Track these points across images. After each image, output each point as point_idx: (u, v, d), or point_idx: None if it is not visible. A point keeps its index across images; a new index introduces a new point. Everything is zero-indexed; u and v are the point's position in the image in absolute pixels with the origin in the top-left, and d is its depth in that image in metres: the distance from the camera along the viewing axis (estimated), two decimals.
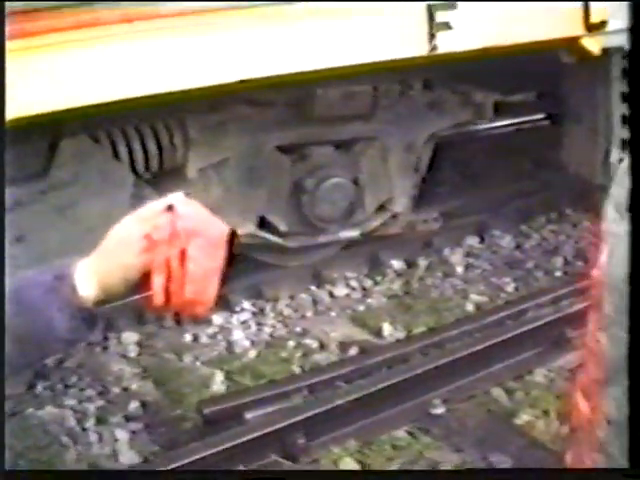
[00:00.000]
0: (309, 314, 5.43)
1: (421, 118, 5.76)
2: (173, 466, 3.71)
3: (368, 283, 5.77)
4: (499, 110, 6.11)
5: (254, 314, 5.40)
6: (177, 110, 4.93)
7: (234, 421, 4.23)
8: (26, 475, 2.39)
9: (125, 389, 4.70)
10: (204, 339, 5.14)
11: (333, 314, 5.42)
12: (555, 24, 4.97)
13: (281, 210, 5.49)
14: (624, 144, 5.61)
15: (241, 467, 3.87)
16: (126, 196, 4.82)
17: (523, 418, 4.27)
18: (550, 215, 6.62)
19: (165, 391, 4.68)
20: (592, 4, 4.95)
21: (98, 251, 1.58)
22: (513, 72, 5.49)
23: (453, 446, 4.11)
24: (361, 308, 5.48)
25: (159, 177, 5.13)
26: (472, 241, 6.27)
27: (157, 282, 1.55)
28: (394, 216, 5.90)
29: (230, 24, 4.19)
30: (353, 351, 4.95)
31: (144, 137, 4.99)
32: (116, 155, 4.93)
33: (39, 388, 4.66)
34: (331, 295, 5.63)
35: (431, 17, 4.55)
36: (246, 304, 5.46)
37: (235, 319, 5.31)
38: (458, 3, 4.60)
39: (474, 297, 5.54)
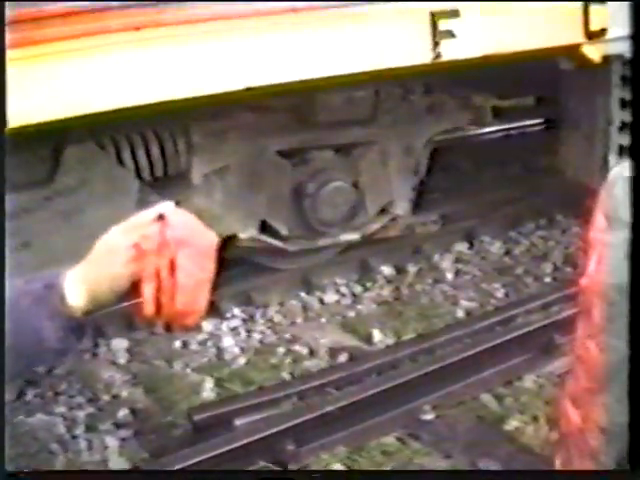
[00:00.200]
0: (299, 320, 5.43)
1: (420, 122, 5.83)
2: None
3: (358, 289, 5.78)
4: (497, 115, 6.16)
5: (244, 321, 5.40)
6: (181, 117, 4.98)
7: (224, 428, 4.22)
8: (27, 477, 2.38)
9: (115, 396, 4.69)
10: (194, 346, 5.14)
11: (323, 320, 5.43)
12: (556, 32, 5.01)
13: (282, 214, 5.55)
14: (622, 150, 5.64)
15: None
16: (131, 202, 4.87)
17: (512, 424, 4.27)
18: (539, 221, 6.64)
19: (155, 398, 4.67)
20: (592, 12, 4.99)
21: (87, 260, 1.57)
22: (512, 78, 5.55)
23: (442, 452, 4.11)
24: (351, 314, 5.49)
25: (164, 183, 5.16)
26: (462, 247, 6.28)
27: (147, 292, 1.55)
28: (393, 219, 5.94)
29: (235, 32, 4.23)
30: (343, 357, 4.95)
31: (149, 143, 5.03)
32: (121, 161, 4.97)
33: (29, 395, 4.65)
34: (321, 301, 5.64)
35: (434, 25, 4.60)
36: (236, 310, 5.46)
37: (225, 326, 5.31)
38: (461, 12, 4.64)
39: (464, 303, 5.55)
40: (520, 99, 6.26)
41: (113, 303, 1.61)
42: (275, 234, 5.57)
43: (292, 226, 5.59)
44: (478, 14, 4.71)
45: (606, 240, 1.62)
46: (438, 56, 4.63)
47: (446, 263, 6.07)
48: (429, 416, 4.35)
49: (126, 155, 4.99)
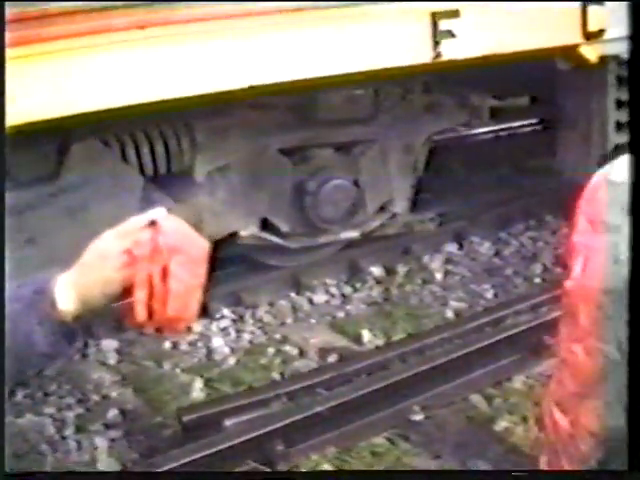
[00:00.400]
0: (289, 321, 5.43)
1: (420, 120, 5.88)
2: None
3: (348, 290, 5.78)
4: (494, 115, 6.20)
5: (234, 321, 5.40)
6: (185, 114, 5.02)
7: (213, 428, 4.22)
8: (26, 477, 2.38)
9: (104, 397, 4.68)
10: (184, 346, 5.13)
11: (313, 321, 5.43)
12: (554, 32, 5.05)
13: (283, 212, 5.59)
14: (618, 149, 5.67)
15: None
16: (135, 199, 4.91)
17: (502, 424, 4.28)
18: (529, 222, 6.65)
19: (144, 398, 4.67)
20: (590, 13, 5.02)
21: (78, 265, 1.58)
22: (509, 77, 5.58)
23: (432, 452, 4.11)
24: (340, 315, 5.49)
25: (167, 180, 5.19)
26: (451, 248, 6.29)
27: (139, 298, 1.56)
28: (393, 216, 5.96)
29: (237, 31, 4.27)
30: (332, 358, 4.96)
31: (153, 141, 5.06)
32: (125, 159, 5.01)
33: (19, 396, 4.64)
34: (311, 302, 5.64)
35: (435, 25, 4.62)
36: (226, 311, 5.46)
37: (215, 326, 5.31)
38: (461, 12, 4.67)
39: (453, 304, 5.55)
40: (516, 99, 6.28)
41: (103, 307, 1.61)
42: (276, 231, 5.61)
43: (293, 224, 5.64)
44: (478, 14, 4.74)
45: (591, 244, 1.62)
46: (438, 55, 4.67)
47: (436, 264, 6.08)
48: (419, 416, 4.36)
49: (130, 152, 5.04)
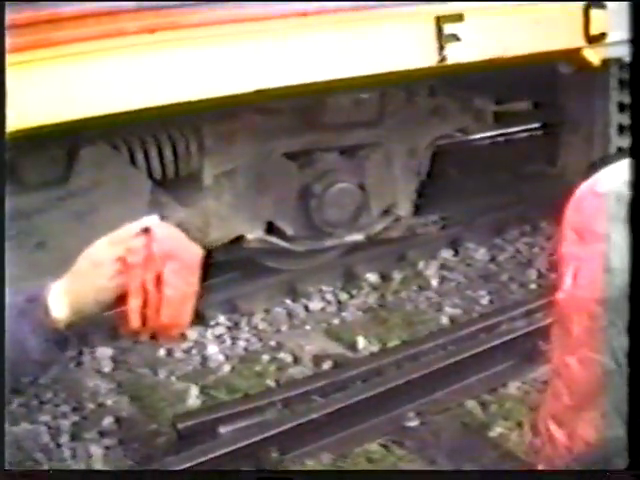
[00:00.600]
0: (284, 328, 5.43)
1: (424, 124, 5.88)
2: None
3: (343, 296, 5.78)
4: (497, 119, 6.21)
5: (229, 328, 5.39)
6: (193, 118, 5.03)
7: (208, 435, 4.22)
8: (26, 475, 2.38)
9: (100, 405, 4.68)
10: (179, 354, 5.12)
11: (308, 328, 5.43)
12: (558, 36, 5.07)
13: (288, 215, 5.59)
14: (620, 153, 5.68)
15: None
16: (143, 202, 4.91)
17: (497, 430, 4.28)
18: (524, 228, 6.65)
19: (140, 406, 4.66)
20: (592, 16, 5.04)
21: (71, 273, 1.58)
22: (512, 81, 5.60)
23: (427, 458, 4.12)
24: (336, 322, 5.49)
25: (175, 184, 5.19)
26: (446, 254, 6.29)
27: (133, 305, 1.56)
28: (396, 220, 5.98)
29: (244, 35, 4.27)
30: (327, 365, 4.95)
31: (161, 145, 5.07)
32: (134, 163, 5.01)
33: (14, 404, 4.63)
34: (306, 309, 5.63)
35: (440, 29, 4.64)
36: (221, 318, 5.45)
37: (210, 333, 5.30)
38: (465, 16, 4.68)
39: (448, 310, 5.55)
40: (518, 102, 6.30)
41: (97, 315, 1.62)
42: (281, 235, 5.62)
43: (298, 227, 5.64)
44: (482, 18, 4.76)
45: (580, 254, 1.61)
46: (443, 59, 4.69)
47: (431, 270, 6.08)
48: (414, 423, 4.36)
49: (139, 156, 5.03)
